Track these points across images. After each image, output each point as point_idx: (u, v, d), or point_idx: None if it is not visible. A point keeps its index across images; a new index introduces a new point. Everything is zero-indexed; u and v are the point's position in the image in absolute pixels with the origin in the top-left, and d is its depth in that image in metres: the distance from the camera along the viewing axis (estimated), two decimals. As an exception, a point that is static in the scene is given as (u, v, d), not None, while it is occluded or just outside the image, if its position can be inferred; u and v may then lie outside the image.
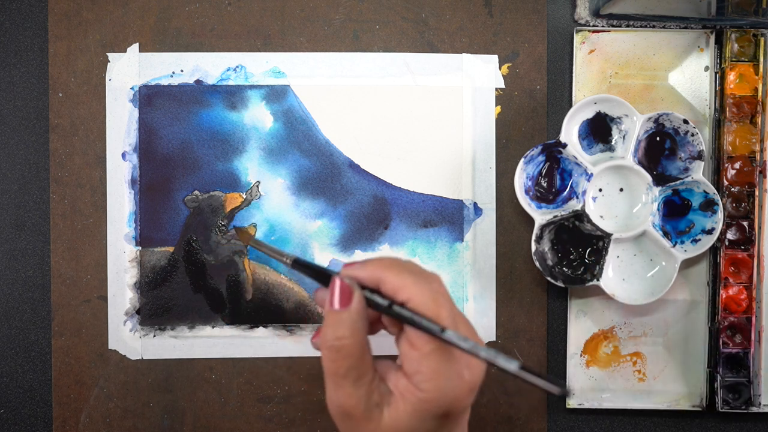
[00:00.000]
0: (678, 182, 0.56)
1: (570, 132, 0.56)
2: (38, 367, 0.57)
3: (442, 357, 0.40)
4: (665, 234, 0.56)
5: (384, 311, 0.42)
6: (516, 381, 0.58)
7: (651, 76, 0.58)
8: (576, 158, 0.56)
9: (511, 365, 0.39)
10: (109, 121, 0.57)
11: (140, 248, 0.57)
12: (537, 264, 0.55)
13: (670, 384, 0.58)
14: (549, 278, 0.56)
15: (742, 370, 0.57)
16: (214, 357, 0.57)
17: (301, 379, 0.57)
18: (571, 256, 0.56)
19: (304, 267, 0.46)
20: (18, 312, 0.57)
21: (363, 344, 0.41)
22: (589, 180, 0.56)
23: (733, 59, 0.56)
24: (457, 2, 0.58)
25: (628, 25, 0.58)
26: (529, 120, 0.58)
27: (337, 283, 0.42)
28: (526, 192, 0.56)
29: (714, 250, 0.57)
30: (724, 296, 0.56)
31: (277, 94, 0.57)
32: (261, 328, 0.57)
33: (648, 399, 0.58)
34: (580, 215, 0.56)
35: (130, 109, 0.57)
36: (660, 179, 0.56)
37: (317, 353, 0.57)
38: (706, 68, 0.58)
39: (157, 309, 0.57)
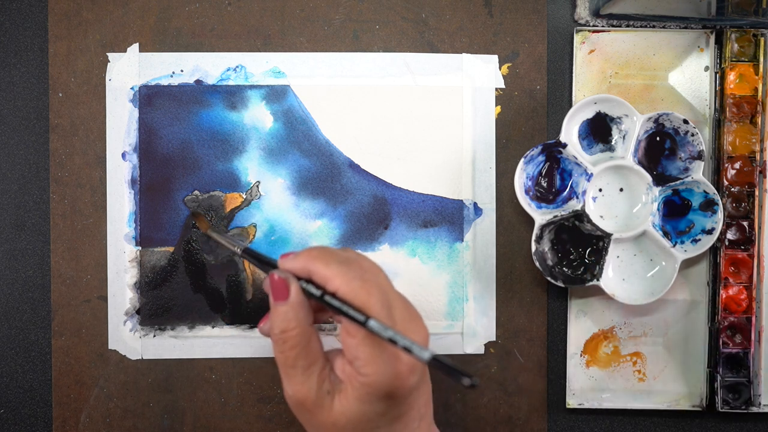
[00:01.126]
0: (678, 182, 0.56)
1: (570, 132, 0.56)
2: (38, 367, 0.57)
3: (376, 341, 0.42)
4: (665, 234, 0.56)
5: (317, 301, 0.43)
6: (516, 381, 0.58)
7: (651, 76, 0.58)
8: (576, 158, 0.56)
9: (424, 354, 0.40)
10: (109, 121, 0.57)
11: (140, 248, 0.57)
12: (537, 264, 0.55)
13: (670, 384, 0.58)
14: (549, 278, 0.56)
15: (742, 370, 0.57)
16: (214, 357, 0.57)
17: (301, 379, 0.57)
18: (571, 256, 0.56)
19: (252, 257, 0.49)
20: (18, 312, 0.57)
21: (308, 334, 0.43)
22: (589, 180, 0.56)
23: (733, 59, 0.56)
24: (457, 2, 0.58)
25: (628, 25, 0.58)
26: (529, 120, 0.58)
27: (274, 277, 0.43)
28: (526, 192, 0.56)
29: (714, 250, 0.57)
30: (724, 296, 0.56)
31: (277, 94, 0.57)
32: (261, 328, 0.57)
33: (648, 399, 0.58)
34: (580, 215, 0.56)
35: (130, 109, 0.57)
36: (660, 179, 0.56)
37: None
38: (706, 68, 0.58)
39: (157, 309, 0.57)
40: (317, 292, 0.43)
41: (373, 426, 0.42)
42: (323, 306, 0.44)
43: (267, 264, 0.47)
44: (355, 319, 0.41)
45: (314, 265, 0.43)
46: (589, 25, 0.58)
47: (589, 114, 0.56)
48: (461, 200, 0.58)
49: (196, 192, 0.57)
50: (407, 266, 0.57)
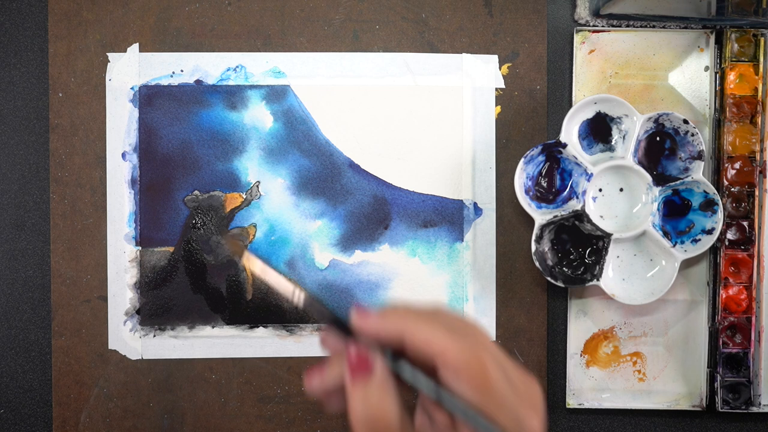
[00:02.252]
0: (678, 182, 0.56)
1: (570, 132, 0.56)
2: (38, 367, 0.57)
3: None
4: (665, 234, 0.56)
5: (423, 392, 0.34)
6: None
7: (651, 76, 0.58)
8: (576, 158, 0.56)
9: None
10: (109, 121, 0.57)
11: (140, 248, 0.57)
12: (537, 264, 0.55)
13: (670, 384, 0.58)
14: (549, 278, 0.56)
15: (742, 370, 0.57)
16: (214, 357, 0.57)
17: (301, 379, 0.57)
18: (571, 256, 0.56)
19: (316, 309, 0.38)
20: (18, 312, 0.57)
21: (399, 413, 0.34)
22: (589, 180, 0.56)
23: (733, 59, 0.56)
24: (457, 2, 0.58)
25: (628, 25, 0.58)
26: (529, 120, 0.58)
27: (353, 351, 0.34)
28: (526, 192, 0.56)
29: (714, 250, 0.57)
30: (724, 296, 0.56)
31: (277, 94, 0.57)
32: (261, 328, 0.57)
33: (648, 399, 0.58)
34: (580, 215, 0.56)
35: (130, 109, 0.57)
36: (660, 179, 0.56)
37: (317, 353, 0.57)
38: (706, 68, 0.58)
39: (157, 309, 0.57)
40: (429, 386, 0.34)
41: None
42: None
43: (335, 322, 0.36)
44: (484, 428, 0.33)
45: (413, 326, 0.34)
46: (589, 25, 0.58)
47: (589, 114, 0.56)
48: (461, 200, 0.58)
49: (196, 192, 0.57)
50: (407, 266, 0.57)
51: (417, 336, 0.34)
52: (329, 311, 0.37)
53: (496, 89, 0.58)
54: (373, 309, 0.35)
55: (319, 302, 0.38)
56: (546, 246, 0.56)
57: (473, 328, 0.35)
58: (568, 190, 0.56)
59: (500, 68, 0.58)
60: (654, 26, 0.58)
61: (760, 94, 0.56)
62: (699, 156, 0.55)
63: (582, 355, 0.58)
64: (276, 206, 0.57)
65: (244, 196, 0.57)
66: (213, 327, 0.57)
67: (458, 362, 0.33)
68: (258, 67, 0.57)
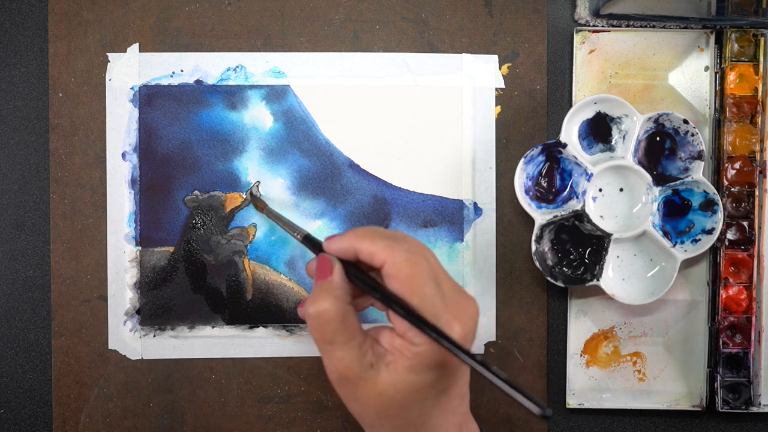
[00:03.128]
0: (678, 182, 0.56)
1: (570, 132, 0.56)
2: (38, 367, 0.57)
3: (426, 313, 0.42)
4: (665, 234, 0.56)
5: (368, 292, 0.44)
6: (516, 381, 0.58)
7: (651, 76, 0.58)
8: (576, 158, 0.56)
9: (490, 374, 0.39)
10: (109, 121, 0.57)
11: (140, 248, 0.57)
12: (537, 264, 0.55)
13: (670, 384, 0.58)
14: (549, 278, 0.56)
15: (742, 370, 0.57)
16: (214, 357, 0.57)
17: (301, 379, 0.57)
18: (571, 256, 0.56)
19: (310, 243, 0.49)
20: (18, 312, 0.57)
21: (344, 310, 0.43)
22: (589, 180, 0.56)
23: (733, 59, 0.56)
24: (457, 2, 0.58)
25: (628, 25, 0.58)
26: (529, 120, 0.58)
27: (319, 257, 0.45)
28: (526, 192, 0.56)
29: (714, 250, 0.57)
30: (724, 296, 0.56)
31: (277, 94, 0.57)
32: (261, 328, 0.57)
33: (648, 399, 0.58)
34: (580, 215, 0.56)
35: (130, 109, 0.57)
36: (660, 179, 0.56)
37: (317, 353, 0.57)
38: (706, 68, 0.58)
39: (157, 309, 0.57)
40: (372, 290, 0.43)
41: (421, 397, 0.43)
42: (363, 292, 0.45)
43: (318, 248, 0.47)
44: (417, 325, 0.41)
45: (360, 242, 0.44)
46: (589, 25, 0.58)
47: (589, 114, 0.56)
48: (461, 200, 0.58)
49: (196, 192, 0.57)
50: (407, 266, 0.57)
51: (365, 250, 0.43)
52: (316, 241, 0.48)
53: (496, 89, 0.58)
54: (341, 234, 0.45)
55: (313, 238, 0.49)
56: (546, 246, 0.56)
57: (417, 245, 0.43)
58: (568, 190, 0.56)
59: (500, 68, 0.58)
60: (654, 26, 0.58)
61: (760, 94, 0.56)
62: (699, 156, 0.55)
63: (582, 355, 0.58)
64: (276, 206, 0.57)
65: (244, 196, 0.57)
66: (213, 327, 0.57)
67: (392, 269, 0.42)
68: (258, 67, 0.57)
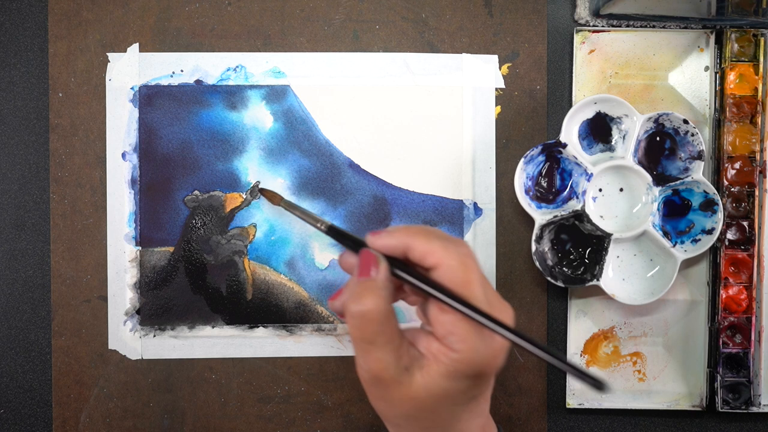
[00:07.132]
0: (678, 182, 0.56)
1: (570, 132, 0.56)
2: (38, 367, 0.57)
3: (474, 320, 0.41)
4: (665, 234, 0.56)
5: (419, 290, 0.42)
6: (516, 381, 0.58)
7: (651, 76, 0.58)
8: (576, 158, 0.56)
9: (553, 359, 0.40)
10: (109, 121, 0.57)
11: (140, 248, 0.57)
12: (537, 264, 0.55)
13: (670, 384, 0.58)
14: (549, 278, 0.56)
15: (742, 370, 0.57)
16: (214, 357, 0.57)
17: (301, 379, 0.57)
18: (571, 256, 0.56)
19: (338, 234, 0.48)
20: (18, 312, 0.57)
21: (387, 311, 0.42)
22: (589, 180, 0.56)
23: (733, 59, 0.56)
24: (457, 2, 0.58)
25: (628, 25, 0.58)
26: (529, 120, 0.58)
27: (365, 253, 0.43)
28: (526, 192, 0.56)
29: (714, 250, 0.57)
30: (724, 296, 0.56)
31: (277, 94, 0.57)
32: (261, 328, 0.57)
33: (648, 399, 0.58)
34: (580, 215, 0.56)
35: (130, 109, 0.57)
36: (660, 179, 0.56)
37: (317, 353, 0.57)
38: (706, 68, 0.58)
39: (157, 309, 0.57)
40: (417, 281, 0.42)
41: (452, 402, 0.42)
42: (401, 286, 0.44)
43: (353, 241, 0.46)
44: (454, 299, 0.41)
45: (414, 240, 0.42)
46: (589, 25, 0.58)
47: (589, 114, 0.56)
48: (461, 200, 0.58)
49: (196, 192, 0.57)
50: (407, 266, 0.57)
51: (419, 248, 0.42)
52: (349, 234, 0.47)
53: (496, 89, 0.58)
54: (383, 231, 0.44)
55: (339, 228, 0.48)
56: (546, 246, 0.56)
57: (468, 249, 0.43)
58: (568, 190, 0.56)
59: (500, 68, 0.58)
60: (654, 26, 0.58)
61: (760, 94, 0.56)
62: (699, 156, 0.55)
63: (582, 355, 0.58)
64: (276, 206, 0.57)
65: (244, 196, 0.57)
66: (213, 327, 0.57)
67: (449, 267, 0.41)
68: (258, 67, 0.57)
